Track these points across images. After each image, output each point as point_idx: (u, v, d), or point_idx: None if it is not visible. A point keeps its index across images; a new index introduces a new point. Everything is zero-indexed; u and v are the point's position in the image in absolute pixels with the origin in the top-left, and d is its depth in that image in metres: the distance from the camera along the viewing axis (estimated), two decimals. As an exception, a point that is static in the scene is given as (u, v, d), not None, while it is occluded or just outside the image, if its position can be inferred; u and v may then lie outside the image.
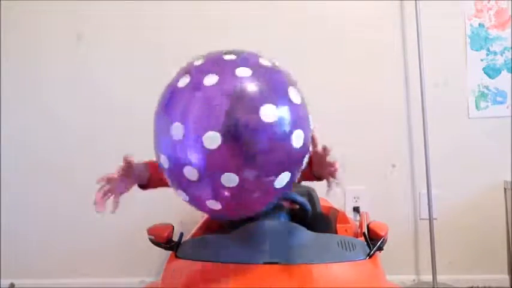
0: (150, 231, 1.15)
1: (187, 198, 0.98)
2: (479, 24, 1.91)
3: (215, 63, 0.94)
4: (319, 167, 1.03)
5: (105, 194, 1.03)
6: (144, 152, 1.88)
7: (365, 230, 1.12)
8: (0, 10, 1.92)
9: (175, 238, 1.12)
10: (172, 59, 1.98)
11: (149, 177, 1.17)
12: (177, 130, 0.89)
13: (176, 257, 1.07)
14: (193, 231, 1.33)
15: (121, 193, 1.08)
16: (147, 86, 1.90)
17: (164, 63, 1.91)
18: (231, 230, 1.12)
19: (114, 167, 1.91)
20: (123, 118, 1.93)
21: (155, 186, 1.19)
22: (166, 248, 1.11)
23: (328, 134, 1.96)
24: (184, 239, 1.13)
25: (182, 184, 0.95)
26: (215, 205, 0.96)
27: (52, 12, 1.94)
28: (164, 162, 0.95)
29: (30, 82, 1.96)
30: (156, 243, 1.13)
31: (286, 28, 1.91)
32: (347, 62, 1.91)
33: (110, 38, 1.94)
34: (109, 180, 1.04)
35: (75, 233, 1.93)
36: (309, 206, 1.24)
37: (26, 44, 1.96)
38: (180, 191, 0.98)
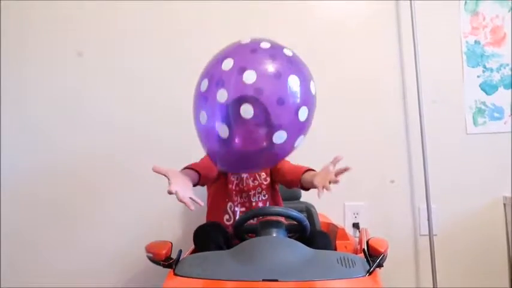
0: (148, 248, 1.14)
1: (205, 118, 1.12)
2: (475, 42, 1.93)
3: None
4: (320, 177, 1.16)
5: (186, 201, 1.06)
6: (145, 173, 1.89)
7: (365, 246, 1.12)
8: (0, 26, 1.94)
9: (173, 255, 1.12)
10: (172, 78, 2.01)
11: (199, 177, 1.23)
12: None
13: (175, 274, 1.06)
14: (191, 248, 1.32)
15: (190, 190, 1.11)
16: (146, 105, 1.94)
17: (164, 81, 1.94)
18: (232, 245, 1.12)
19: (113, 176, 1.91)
20: (123, 138, 1.93)
21: (205, 183, 1.30)
22: (164, 266, 1.10)
23: (328, 150, 1.98)
24: (182, 256, 1.12)
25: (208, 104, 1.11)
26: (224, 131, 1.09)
27: (52, 31, 1.96)
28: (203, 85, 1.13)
29: (29, 100, 1.96)
30: (155, 261, 1.12)
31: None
32: (345, 80, 1.93)
33: (109, 56, 1.95)
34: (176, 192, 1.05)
35: (74, 250, 1.92)
36: (307, 222, 1.23)
37: (26, 61, 1.97)
38: (203, 112, 1.12)
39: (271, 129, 1.10)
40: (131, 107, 1.94)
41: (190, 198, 1.05)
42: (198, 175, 1.23)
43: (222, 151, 1.16)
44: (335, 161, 1.15)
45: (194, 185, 1.21)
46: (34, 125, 1.96)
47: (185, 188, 1.07)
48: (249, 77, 1.07)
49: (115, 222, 1.92)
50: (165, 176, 1.08)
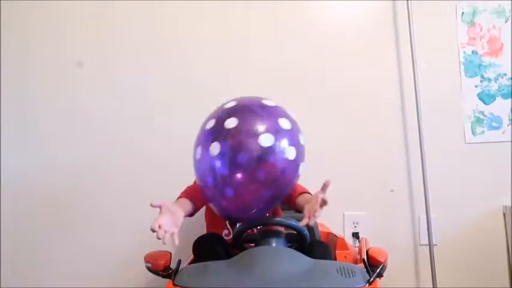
0: (147, 258, 1.14)
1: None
2: (473, 52, 1.95)
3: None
4: (308, 204, 1.14)
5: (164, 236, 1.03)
6: (146, 181, 1.90)
7: (364, 256, 1.12)
8: (0, 35, 1.96)
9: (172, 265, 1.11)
10: (172, 89, 2.02)
11: (193, 207, 1.24)
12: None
13: (174, 285, 1.06)
14: (190, 258, 1.32)
15: (175, 226, 1.08)
16: (147, 111, 1.95)
17: (164, 93, 1.95)
18: (231, 255, 1.11)
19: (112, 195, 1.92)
20: (124, 144, 1.94)
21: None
22: (163, 276, 1.10)
23: (327, 159, 1.98)
24: (182, 266, 1.12)
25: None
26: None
27: (52, 40, 1.98)
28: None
29: (29, 112, 1.97)
30: (153, 271, 1.11)
31: (285, 59, 1.95)
32: (344, 91, 1.93)
33: (109, 66, 1.97)
34: (160, 226, 1.03)
35: (74, 251, 1.91)
36: (307, 232, 1.23)
37: (26, 65, 1.98)
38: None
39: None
40: (132, 111, 1.95)
41: (172, 234, 1.04)
42: (193, 206, 1.24)
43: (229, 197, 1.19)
44: (325, 188, 1.11)
45: (190, 215, 1.23)
46: (35, 126, 1.97)
47: (171, 224, 1.06)
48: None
49: (115, 225, 1.92)
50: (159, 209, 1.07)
